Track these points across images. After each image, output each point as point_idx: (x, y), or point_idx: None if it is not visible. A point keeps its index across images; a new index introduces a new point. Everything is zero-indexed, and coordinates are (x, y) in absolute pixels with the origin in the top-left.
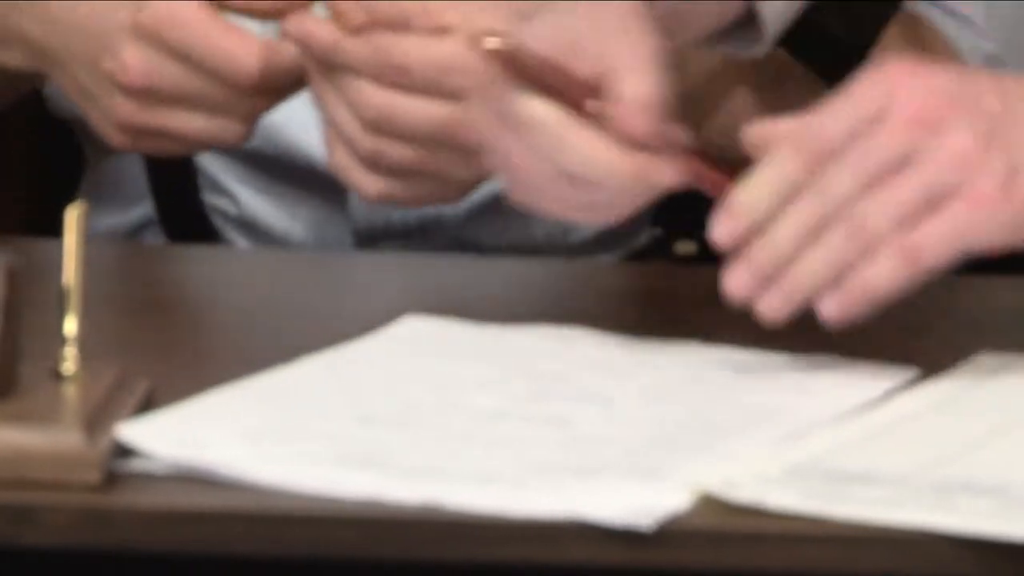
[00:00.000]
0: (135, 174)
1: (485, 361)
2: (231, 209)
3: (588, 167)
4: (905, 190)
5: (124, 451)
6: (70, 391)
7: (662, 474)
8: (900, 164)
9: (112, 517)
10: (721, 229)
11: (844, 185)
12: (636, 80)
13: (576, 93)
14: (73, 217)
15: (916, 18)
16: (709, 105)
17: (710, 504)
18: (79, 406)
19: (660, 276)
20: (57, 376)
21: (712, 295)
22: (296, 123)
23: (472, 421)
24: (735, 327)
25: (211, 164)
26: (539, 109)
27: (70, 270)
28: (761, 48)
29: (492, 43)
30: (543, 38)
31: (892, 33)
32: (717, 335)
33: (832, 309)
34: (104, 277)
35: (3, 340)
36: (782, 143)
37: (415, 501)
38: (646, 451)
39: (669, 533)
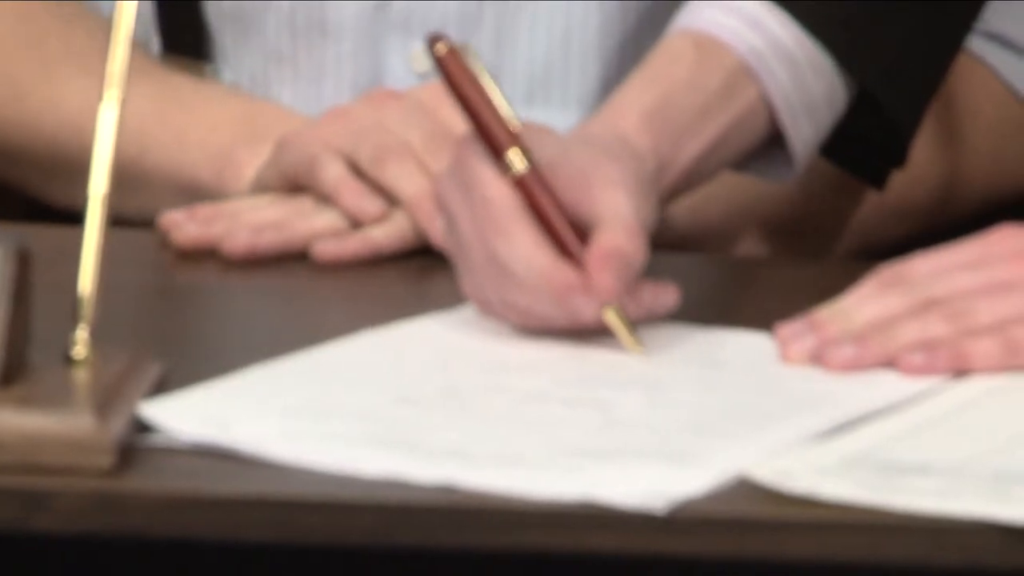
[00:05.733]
0: None
1: (541, 344)
2: None
3: (515, 261)
4: (1013, 300)
5: (137, 435)
6: (81, 375)
7: (691, 459)
8: (1008, 286)
9: (124, 502)
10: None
11: (949, 288)
12: (614, 225)
13: (493, 133)
14: (94, 201)
15: (964, 64)
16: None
17: (730, 491)
18: (90, 390)
19: (718, 268)
20: (68, 360)
21: (766, 287)
22: None
23: (510, 403)
24: (789, 317)
25: None
26: (497, 188)
27: (88, 254)
28: (791, 174)
29: (440, 48)
30: (552, 157)
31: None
32: (770, 325)
33: (916, 363)
34: (115, 262)
35: (13, 324)
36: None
37: (432, 481)
38: (681, 436)
39: (689, 520)
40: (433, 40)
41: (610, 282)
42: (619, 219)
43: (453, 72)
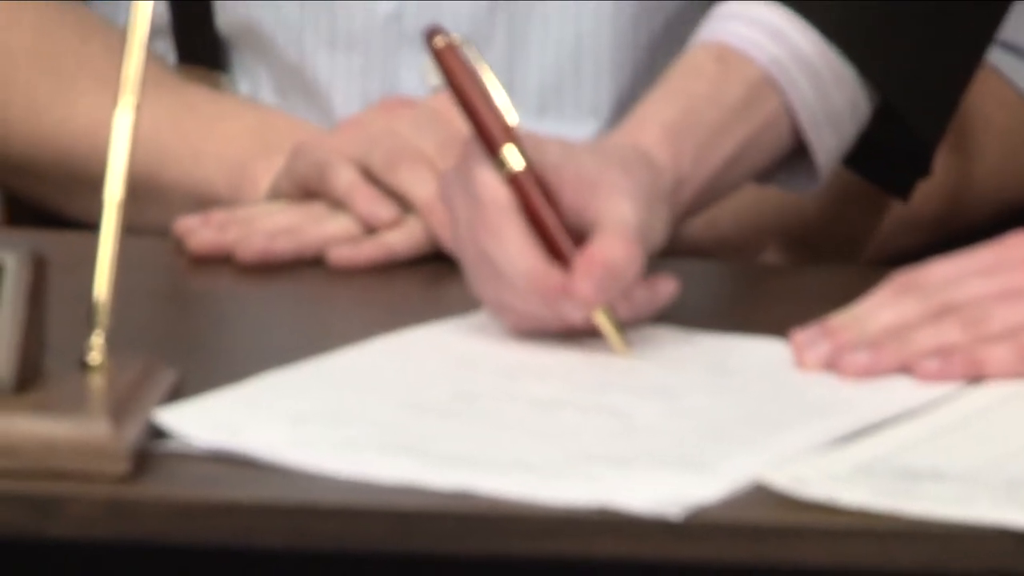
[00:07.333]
0: None
1: (555, 351)
2: None
3: (503, 261)
4: None
5: (152, 442)
6: (96, 381)
7: (706, 465)
8: (1023, 292)
9: (138, 508)
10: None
11: (964, 294)
12: (610, 232)
13: (489, 129)
14: (109, 207)
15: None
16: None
17: (746, 497)
18: (105, 396)
19: (733, 274)
20: (83, 366)
21: (781, 293)
22: None
23: (525, 410)
24: (804, 324)
25: None
26: (492, 187)
27: (104, 260)
28: (814, 185)
29: (439, 42)
30: (557, 160)
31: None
32: (785, 331)
33: (931, 369)
34: (130, 268)
35: (28, 330)
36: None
37: (446, 487)
38: (696, 443)
39: (704, 527)
40: (431, 34)
41: (590, 290)
42: (617, 226)
43: (451, 66)
